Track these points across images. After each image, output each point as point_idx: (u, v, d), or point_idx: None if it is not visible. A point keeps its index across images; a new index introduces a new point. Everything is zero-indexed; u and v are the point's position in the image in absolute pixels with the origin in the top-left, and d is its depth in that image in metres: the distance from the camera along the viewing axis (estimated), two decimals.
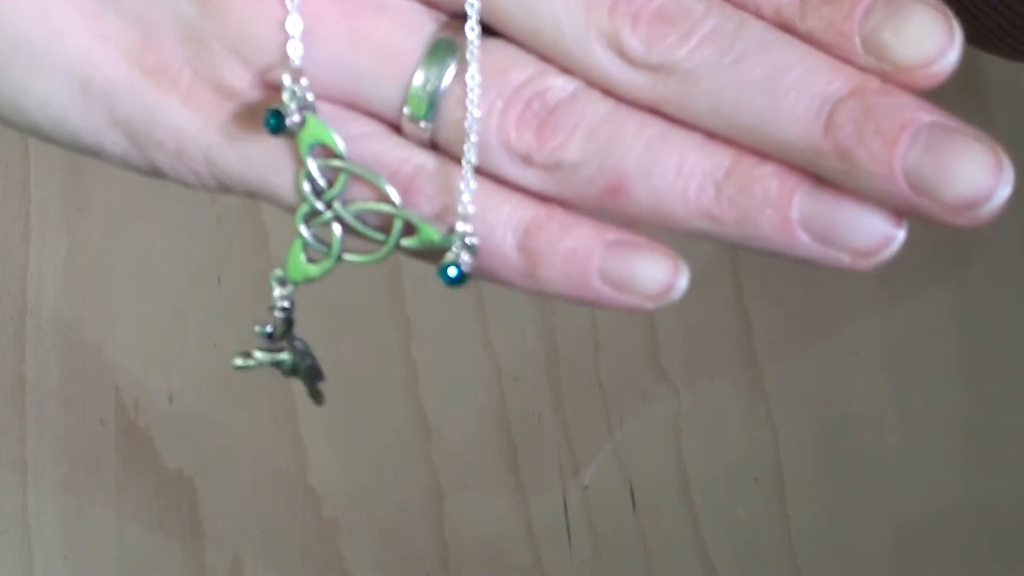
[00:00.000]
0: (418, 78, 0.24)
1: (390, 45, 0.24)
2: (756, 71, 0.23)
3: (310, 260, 0.27)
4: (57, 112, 0.26)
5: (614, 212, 0.24)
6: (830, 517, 0.54)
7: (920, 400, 0.55)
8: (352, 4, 0.24)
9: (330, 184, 0.25)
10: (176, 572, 0.53)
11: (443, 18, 0.25)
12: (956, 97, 0.25)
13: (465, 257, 0.24)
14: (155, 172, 0.27)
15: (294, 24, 0.24)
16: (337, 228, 0.26)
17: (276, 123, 0.24)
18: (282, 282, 0.27)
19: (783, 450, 0.54)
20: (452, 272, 0.24)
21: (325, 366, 0.57)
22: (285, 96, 0.24)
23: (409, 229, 0.25)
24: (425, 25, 0.24)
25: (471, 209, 0.24)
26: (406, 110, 0.24)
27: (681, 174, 0.23)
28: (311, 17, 0.24)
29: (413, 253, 0.26)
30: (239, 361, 0.29)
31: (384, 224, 0.25)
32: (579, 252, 0.24)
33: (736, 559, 0.54)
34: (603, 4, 0.23)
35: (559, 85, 0.24)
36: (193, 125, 0.26)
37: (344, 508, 0.54)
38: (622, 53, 0.23)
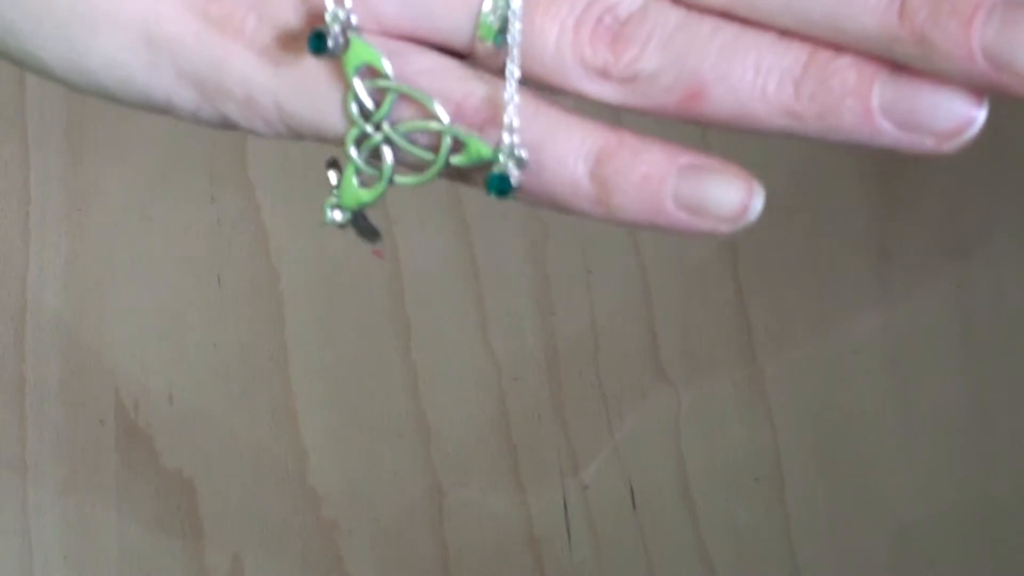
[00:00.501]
0: (487, 3, 0.24)
1: None
2: None
3: (362, 185, 0.26)
4: (123, 71, 0.26)
5: (694, 119, 0.24)
6: (830, 517, 0.54)
7: (920, 400, 0.55)
8: None
9: (378, 105, 0.25)
10: (176, 572, 0.53)
11: None
12: None
13: (513, 169, 0.25)
14: (227, 124, 0.27)
15: None
16: (387, 151, 0.26)
17: (318, 44, 0.25)
18: (338, 209, 0.27)
19: (783, 450, 0.54)
20: (500, 183, 0.25)
21: (325, 366, 0.57)
22: (328, 17, 0.25)
23: (458, 147, 0.25)
24: None
25: (516, 122, 0.24)
26: (478, 34, 0.25)
27: (759, 73, 0.24)
28: None
29: (462, 174, 0.26)
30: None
31: (433, 143, 0.25)
32: (652, 177, 0.24)
33: (736, 559, 0.54)
34: None
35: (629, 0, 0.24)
36: (261, 72, 0.26)
37: (344, 508, 0.54)
38: None
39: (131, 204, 0.56)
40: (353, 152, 0.26)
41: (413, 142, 0.26)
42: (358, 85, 0.25)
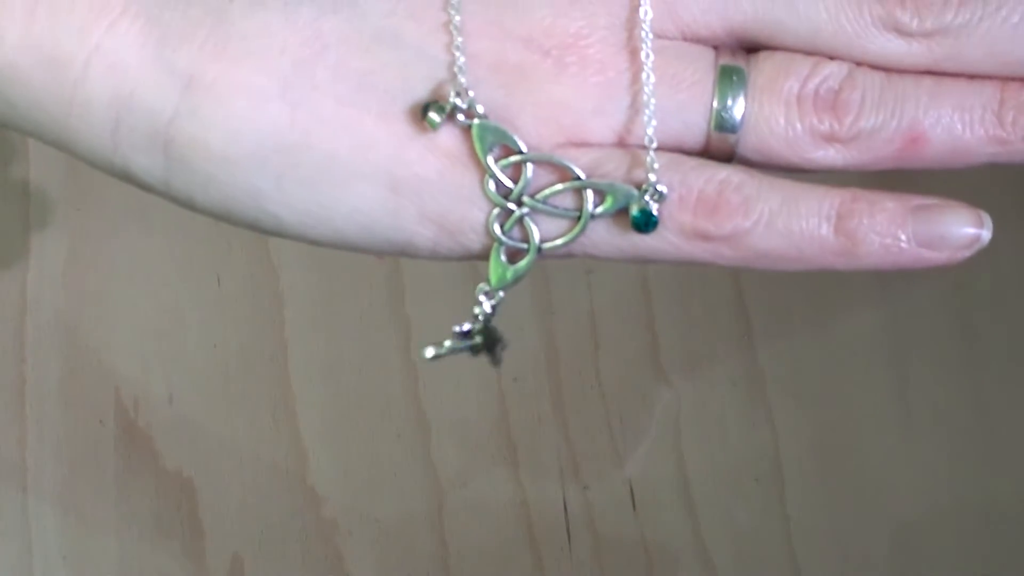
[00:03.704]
0: (717, 102, 0.27)
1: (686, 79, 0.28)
2: (1015, 14, 0.27)
3: (509, 261, 0.28)
4: (366, 218, 0.28)
5: (911, 163, 0.27)
6: (830, 517, 0.54)
7: (920, 400, 0.55)
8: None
9: (515, 181, 0.27)
10: (176, 572, 0.53)
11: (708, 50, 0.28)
12: None
13: (653, 204, 0.27)
14: (468, 255, 0.29)
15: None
16: (530, 221, 0.28)
17: (433, 113, 0.27)
18: (488, 294, 0.29)
19: (783, 450, 0.54)
20: (643, 217, 0.27)
21: (325, 366, 0.56)
22: (456, 101, 0.27)
23: (600, 199, 0.27)
24: (704, 56, 0.28)
25: (656, 163, 0.27)
26: (713, 128, 0.28)
27: (965, 110, 0.27)
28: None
29: (609, 224, 0.28)
30: (431, 352, 0.30)
31: (575, 203, 0.28)
32: (893, 224, 0.27)
33: (736, 559, 0.54)
34: None
35: (835, 71, 0.27)
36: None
37: (344, 508, 0.54)
38: (899, 30, 0.27)
39: (131, 204, 0.56)
40: (497, 231, 0.28)
41: (555, 207, 0.28)
42: (492, 164, 0.27)
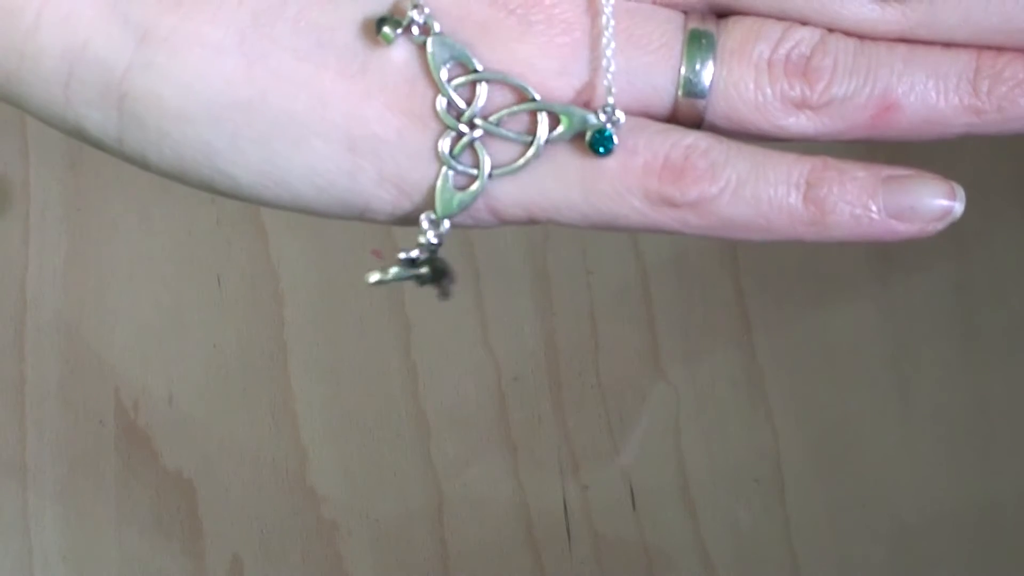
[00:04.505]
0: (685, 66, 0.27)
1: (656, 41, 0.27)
2: None
3: (458, 189, 0.27)
4: (323, 178, 0.27)
5: (885, 132, 0.27)
6: (830, 517, 0.54)
7: (920, 400, 0.55)
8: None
9: (468, 102, 0.26)
10: (176, 572, 0.53)
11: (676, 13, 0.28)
12: None
13: (610, 125, 0.26)
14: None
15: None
16: (481, 147, 0.27)
17: (386, 27, 0.26)
18: (435, 223, 0.27)
19: (783, 450, 0.54)
20: (601, 140, 0.26)
21: (325, 366, 0.57)
22: (413, 13, 0.26)
23: (555, 123, 0.27)
24: (674, 19, 0.27)
25: (614, 89, 0.26)
26: (680, 93, 0.27)
27: (940, 78, 0.27)
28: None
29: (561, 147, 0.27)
30: (375, 277, 0.28)
31: (529, 127, 0.27)
32: (864, 193, 0.27)
33: (736, 559, 0.54)
34: None
35: (806, 36, 0.27)
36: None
37: (344, 508, 0.54)
38: None
39: (131, 204, 0.56)
40: (446, 154, 0.27)
41: (508, 132, 0.27)
42: (443, 78, 0.26)
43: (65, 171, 0.56)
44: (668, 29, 0.27)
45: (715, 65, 0.27)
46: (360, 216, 0.28)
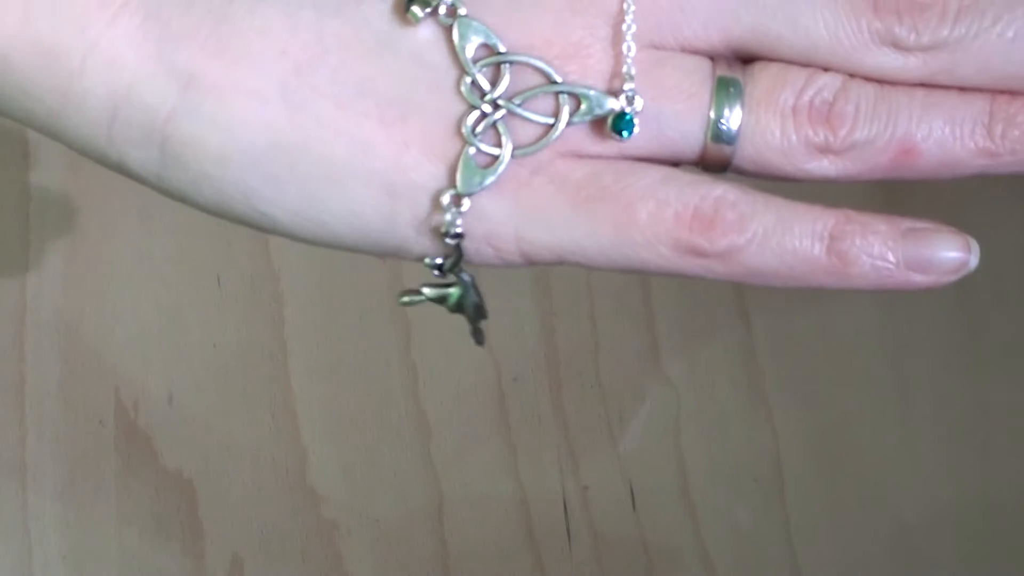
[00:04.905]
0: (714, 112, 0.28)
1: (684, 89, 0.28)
2: (1010, 30, 0.27)
3: (481, 167, 0.28)
4: (361, 221, 0.28)
5: (904, 173, 0.28)
6: (830, 517, 0.54)
7: (920, 400, 0.55)
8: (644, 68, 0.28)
9: (492, 84, 0.27)
10: (176, 572, 0.53)
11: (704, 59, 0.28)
12: None
13: (628, 108, 0.27)
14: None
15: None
16: (503, 127, 0.27)
17: (414, 6, 0.27)
18: (456, 200, 0.28)
19: (783, 450, 0.54)
20: (621, 122, 0.27)
21: (325, 366, 0.56)
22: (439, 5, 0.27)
23: (577, 105, 0.27)
24: (702, 67, 0.28)
25: (634, 71, 0.27)
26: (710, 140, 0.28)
27: (956, 123, 0.28)
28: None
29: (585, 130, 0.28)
30: (405, 298, 0.30)
31: (552, 108, 0.28)
32: (883, 245, 0.28)
33: (736, 559, 0.54)
34: (867, 9, 0.27)
35: (829, 82, 0.28)
36: (502, 206, 0.28)
37: (344, 508, 0.54)
38: (896, 45, 0.27)
39: (131, 204, 0.56)
40: (469, 132, 0.27)
41: (531, 113, 0.27)
42: (468, 57, 0.27)
43: (65, 171, 0.56)
44: (697, 78, 0.28)
45: (743, 112, 0.28)
46: (396, 254, 0.29)
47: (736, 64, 0.28)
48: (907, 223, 0.28)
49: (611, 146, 0.28)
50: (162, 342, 0.55)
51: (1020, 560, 0.53)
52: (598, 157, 0.28)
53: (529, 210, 0.28)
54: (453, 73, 0.27)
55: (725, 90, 0.28)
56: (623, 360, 0.55)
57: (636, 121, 0.27)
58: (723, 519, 0.54)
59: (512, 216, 0.28)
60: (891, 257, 0.28)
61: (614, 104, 0.27)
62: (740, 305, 0.56)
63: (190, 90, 0.27)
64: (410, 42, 0.27)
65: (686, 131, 0.28)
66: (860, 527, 0.54)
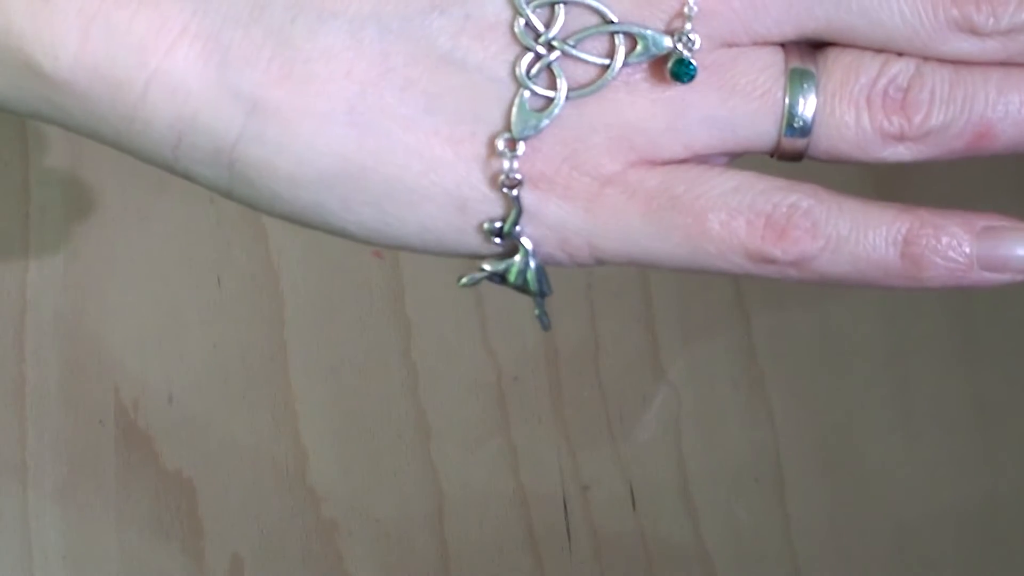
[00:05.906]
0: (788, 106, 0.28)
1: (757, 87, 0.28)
2: None
3: (535, 111, 0.28)
4: (433, 234, 0.28)
5: (978, 153, 0.28)
6: (830, 517, 0.54)
7: (920, 400, 0.55)
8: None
9: (547, 25, 0.27)
10: (176, 572, 0.53)
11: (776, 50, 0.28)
12: None
13: (686, 51, 0.27)
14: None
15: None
16: (558, 69, 0.27)
17: None
18: (511, 144, 0.27)
19: (783, 450, 0.54)
20: (681, 67, 0.27)
21: (325, 366, 0.56)
22: None
23: (632, 46, 0.27)
24: (775, 60, 0.28)
25: (695, 10, 0.27)
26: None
27: None
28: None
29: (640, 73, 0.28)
30: (465, 279, 0.30)
31: (608, 49, 0.27)
32: (958, 248, 0.28)
33: (736, 559, 0.54)
34: None
35: (903, 68, 0.28)
36: (575, 216, 0.28)
37: (344, 508, 0.54)
38: (975, 31, 0.27)
39: (131, 204, 0.56)
40: (523, 75, 0.27)
41: (586, 54, 0.27)
42: (523, 3, 0.27)
43: (65, 171, 0.56)
44: (770, 74, 0.28)
45: (817, 104, 0.28)
46: (471, 257, 0.29)
47: (808, 53, 0.28)
48: (982, 221, 0.28)
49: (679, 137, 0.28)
50: (162, 342, 0.55)
51: (1020, 560, 0.53)
52: (669, 162, 0.28)
53: (602, 220, 0.28)
54: (516, 86, 0.27)
55: (799, 84, 0.27)
56: (623, 360, 0.55)
57: (696, 64, 0.27)
58: (723, 519, 0.54)
59: (585, 226, 0.28)
60: (965, 259, 0.28)
61: (670, 43, 0.27)
62: (740, 305, 0.56)
63: (255, 116, 0.27)
64: (476, 57, 0.27)
65: (760, 129, 0.28)
66: (860, 527, 0.54)
